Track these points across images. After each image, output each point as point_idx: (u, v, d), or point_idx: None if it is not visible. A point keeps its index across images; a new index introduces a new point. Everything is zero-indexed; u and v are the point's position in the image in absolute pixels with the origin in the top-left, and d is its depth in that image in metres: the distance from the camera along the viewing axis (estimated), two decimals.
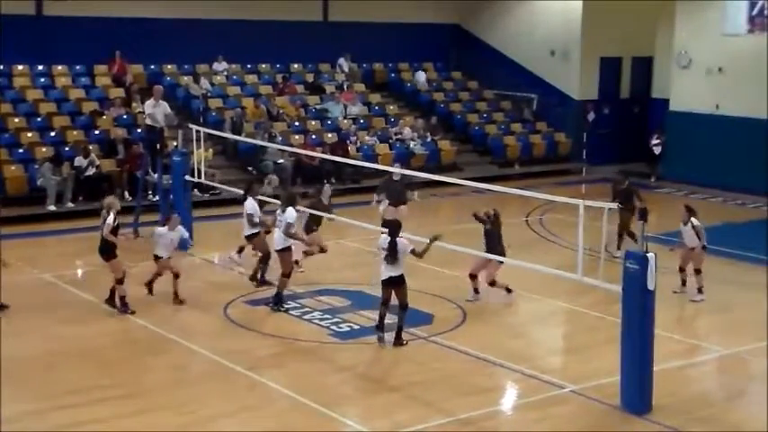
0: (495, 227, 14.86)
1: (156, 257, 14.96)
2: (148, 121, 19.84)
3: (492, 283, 15.11)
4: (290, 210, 14.69)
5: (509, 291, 15.27)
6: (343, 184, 24.71)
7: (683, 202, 17.72)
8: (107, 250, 14.35)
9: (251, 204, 15.69)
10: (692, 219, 15.56)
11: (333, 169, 24.27)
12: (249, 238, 15.97)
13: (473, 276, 15.26)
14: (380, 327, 13.13)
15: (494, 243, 14.75)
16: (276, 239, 14.92)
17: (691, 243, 15.57)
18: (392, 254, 12.81)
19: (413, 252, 12.94)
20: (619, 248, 17.37)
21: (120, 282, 14.37)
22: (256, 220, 15.67)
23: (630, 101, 30.58)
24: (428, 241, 13.06)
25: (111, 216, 14.27)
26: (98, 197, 21.74)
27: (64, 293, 15.60)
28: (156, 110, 19.50)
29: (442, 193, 23.38)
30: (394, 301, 13.05)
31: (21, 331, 13.63)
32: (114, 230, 14.28)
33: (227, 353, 11.85)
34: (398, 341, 13.11)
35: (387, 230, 13.18)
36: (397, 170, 17.85)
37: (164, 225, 15.16)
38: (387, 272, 12.93)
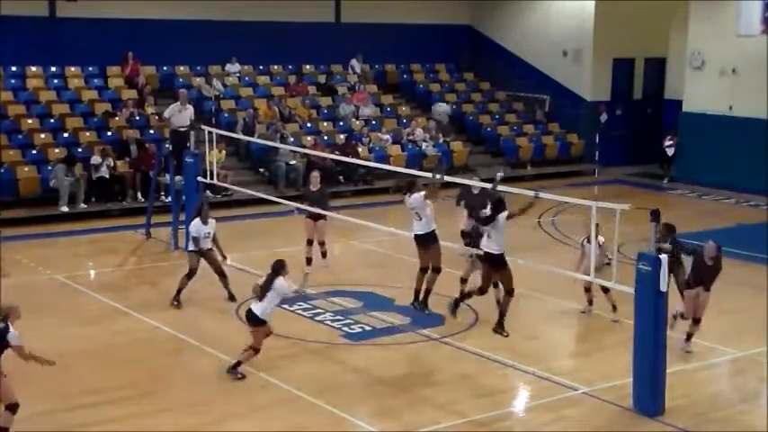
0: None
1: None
2: (174, 124, 19.91)
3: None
4: None
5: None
6: (354, 185, 24.73)
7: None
8: None
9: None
10: None
11: (343, 169, 24.30)
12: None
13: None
14: (420, 299, 13.97)
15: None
16: None
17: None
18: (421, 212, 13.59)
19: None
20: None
21: None
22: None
23: (643, 102, 30.46)
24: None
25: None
26: (110, 198, 21.92)
27: (76, 294, 15.64)
28: (182, 114, 19.72)
29: (455, 195, 23.31)
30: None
31: (33, 332, 13.62)
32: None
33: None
34: (423, 301, 13.90)
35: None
36: (315, 178, 16.81)
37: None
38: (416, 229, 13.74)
